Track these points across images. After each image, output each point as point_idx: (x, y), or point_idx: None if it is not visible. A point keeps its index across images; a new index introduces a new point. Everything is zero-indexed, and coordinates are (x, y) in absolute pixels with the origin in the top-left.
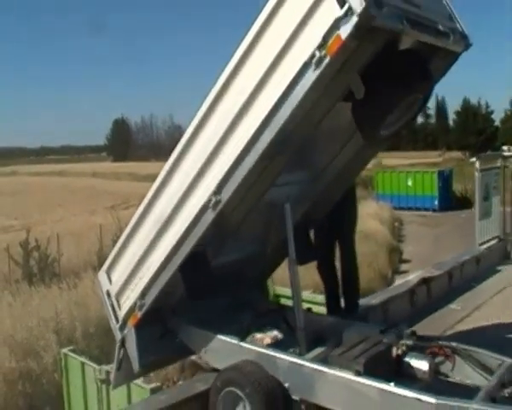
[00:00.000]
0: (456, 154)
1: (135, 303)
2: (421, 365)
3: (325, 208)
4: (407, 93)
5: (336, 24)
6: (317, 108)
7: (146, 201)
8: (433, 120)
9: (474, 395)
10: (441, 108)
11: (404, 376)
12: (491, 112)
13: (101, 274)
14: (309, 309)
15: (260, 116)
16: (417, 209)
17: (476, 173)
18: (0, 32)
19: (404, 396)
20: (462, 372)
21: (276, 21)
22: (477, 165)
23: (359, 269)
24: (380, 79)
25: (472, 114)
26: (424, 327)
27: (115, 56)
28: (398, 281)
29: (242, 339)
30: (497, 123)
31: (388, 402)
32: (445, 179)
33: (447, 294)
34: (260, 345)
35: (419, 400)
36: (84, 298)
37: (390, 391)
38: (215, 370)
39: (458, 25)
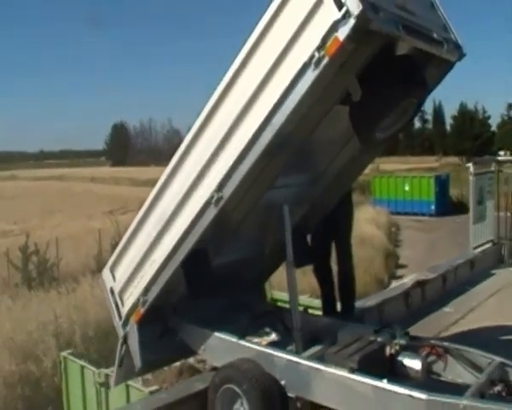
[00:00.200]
0: (453, 159)
1: (138, 300)
2: (413, 364)
3: (323, 212)
4: (403, 97)
5: (335, 26)
6: (316, 108)
7: (150, 199)
8: (430, 125)
9: (464, 393)
10: (438, 113)
11: (398, 375)
12: (488, 117)
13: (105, 272)
14: (305, 310)
15: (261, 116)
16: (414, 214)
17: (470, 177)
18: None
19: (397, 393)
20: (454, 372)
21: (277, 24)
22: (471, 169)
23: (355, 272)
24: (377, 83)
25: (469, 119)
26: (418, 329)
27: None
28: (394, 284)
29: (240, 338)
30: (493, 128)
31: (381, 398)
32: (442, 184)
33: (441, 297)
34: (258, 343)
35: (411, 396)
36: (82, 302)
37: (383, 388)
38: (214, 369)
39: (452, 35)
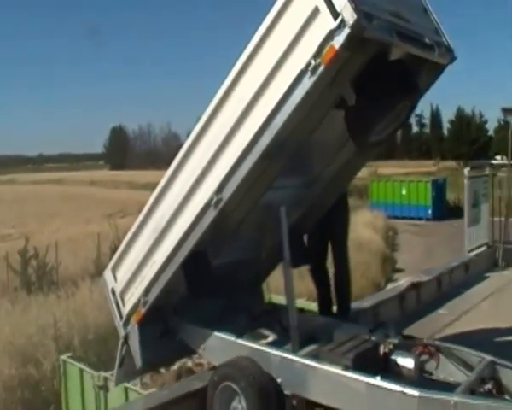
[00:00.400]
0: (451, 163)
1: (139, 300)
2: (406, 362)
3: (319, 213)
4: (396, 101)
5: (330, 35)
6: (312, 113)
7: (151, 201)
8: (427, 130)
9: (455, 390)
10: (436, 118)
11: (391, 373)
12: (485, 121)
13: (107, 272)
14: (302, 310)
15: (260, 120)
16: (411, 218)
17: (465, 181)
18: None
19: (390, 389)
20: (446, 370)
21: (276, 32)
22: (466, 172)
23: (352, 275)
24: (371, 88)
25: (465, 124)
26: (413, 331)
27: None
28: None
29: (239, 337)
30: (491, 132)
31: (374, 395)
32: (439, 189)
33: (436, 299)
34: (255, 342)
35: (403, 393)
36: (81, 306)
37: (376, 385)
38: (212, 368)
39: (444, 39)
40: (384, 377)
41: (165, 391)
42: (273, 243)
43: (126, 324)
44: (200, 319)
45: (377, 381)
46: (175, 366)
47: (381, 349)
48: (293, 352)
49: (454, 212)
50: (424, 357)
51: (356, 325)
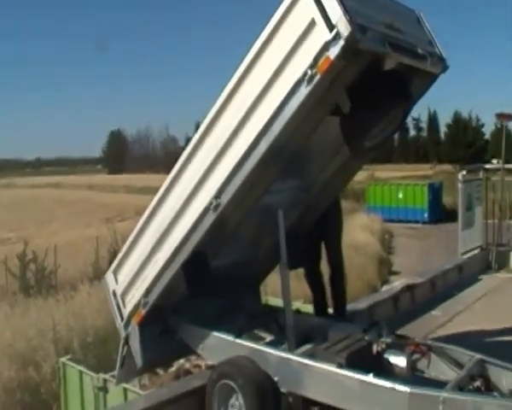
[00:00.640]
0: (447, 167)
1: (139, 301)
2: (399, 361)
3: (315, 215)
4: (389, 109)
5: (326, 46)
6: (308, 120)
7: (152, 205)
8: (424, 133)
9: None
10: (433, 122)
11: (384, 371)
12: (482, 125)
13: (109, 275)
14: (298, 311)
15: (258, 127)
16: (407, 222)
17: (459, 185)
18: None
19: (382, 386)
20: (438, 368)
21: (274, 43)
22: (460, 176)
23: (348, 278)
24: (365, 96)
25: (462, 127)
26: (407, 331)
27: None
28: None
29: (237, 337)
30: (487, 136)
31: (367, 392)
32: (435, 192)
33: (430, 301)
34: (253, 342)
35: (394, 389)
36: (80, 309)
37: (369, 382)
38: (211, 367)
39: (437, 49)
40: (377, 375)
41: (165, 390)
42: (271, 245)
43: (127, 325)
44: (199, 319)
45: (370, 378)
46: (173, 368)
47: (375, 348)
48: (290, 351)
49: (450, 215)
50: (416, 356)
51: (350, 324)
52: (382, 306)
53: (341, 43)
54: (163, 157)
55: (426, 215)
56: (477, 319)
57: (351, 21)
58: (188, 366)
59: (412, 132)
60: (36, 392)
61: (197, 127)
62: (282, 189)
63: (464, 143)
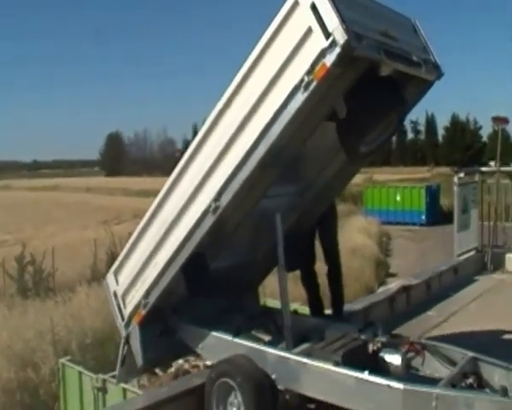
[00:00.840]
0: (445, 169)
1: (139, 302)
2: (394, 359)
3: (313, 219)
4: (385, 115)
5: (322, 53)
6: (306, 125)
7: (152, 208)
8: (422, 136)
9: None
10: (431, 125)
11: (379, 370)
12: (480, 127)
13: (109, 276)
14: (295, 311)
15: (256, 131)
16: (405, 224)
17: (455, 187)
18: None
19: (377, 383)
20: (432, 366)
21: (272, 49)
22: (455, 179)
23: (346, 280)
24: (361, 102)
25: (460, 130)
26: (403, 331)
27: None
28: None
29: (235, 337)
30: (485, 139)
31: (363, 389)
32: (433, 194)
33: (425, 301)
34: (251, 341)
35: (389, 386)
36: (79, 311)
37: (364, 379)
38: (209, 367)
39: (431, 56)
40: (372, 372)
41: (165, 388)
42: (269, 248)
43: (127, 325)
44: (199, 319)
45: (365, 375)
46: (172, 369)
47: (370, 347)
48: (287, 350)
49: (448, 217)
50: (411, 354)
51: (346, 324)
52: (378, 307)
53: (337, 50)
54: (161, 160)
55: (423, 217)
56: (472, 320)
57: (347, 30)
58: (187, 366)
59: (410, 135)
60: (35, 393)
61: (195, 130)
62: (280, 193)
63: (462, 146)
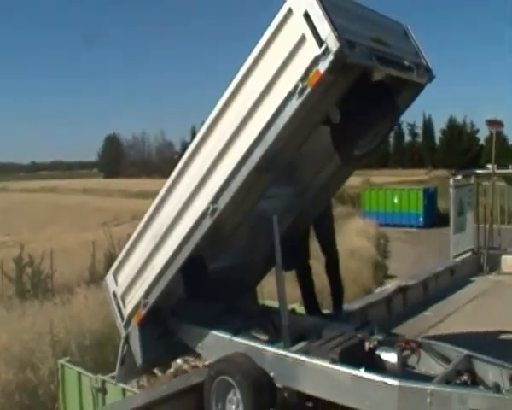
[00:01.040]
0: (442, 172)
1: (139, 302)
2: (390, 357)
3: (309, 220)
4: (377, 120)
5: (316, 61)
6: (300, 130)
7: (151, 209)
8: (420, 139)
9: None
10: (428, 127)
11: (376, 368)
12: (477, 130)
13: (109, 276)
14: (293, 310)
15: (252, 136)
16: (403, 226)
17: (451, 190)
18: None
19: (373, 380)
20: (427, 364)
21: (267, 56)
22: (451, 181)
23: (344, 281)
24: (354, 107)
25: (457, 133)
26: (399, 331)
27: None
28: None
29: (234, 336)
30: (482, 141)
31: (359, 386)
32: (430, 197)
33: (422, 302)
34: (250, 340)
35: (385, 383)
36: (78, 312)
37: (360, 376)
38: (208, 365)
39: (423, 60)
40: (369, 370)
41: (164, 386)
42: (266, 249)
43: (127, 325)
44: (198, 319)
45: (361, 373)
46: (171, 369)
47: (367, 345)
48: (285, 348)
49: (445, 220)
50: (406, 352)
51: (343, 323)
52: (375, 307)
53: (330, 57)
54: (159, 162)
55: (421, 220)
56: (468, 320)
57: (339, 38)
58: (186, 367)
59: (408, 138)
60: (34, 394)
61: (193, 133)
62: (277, 195)
63: (459, 149)
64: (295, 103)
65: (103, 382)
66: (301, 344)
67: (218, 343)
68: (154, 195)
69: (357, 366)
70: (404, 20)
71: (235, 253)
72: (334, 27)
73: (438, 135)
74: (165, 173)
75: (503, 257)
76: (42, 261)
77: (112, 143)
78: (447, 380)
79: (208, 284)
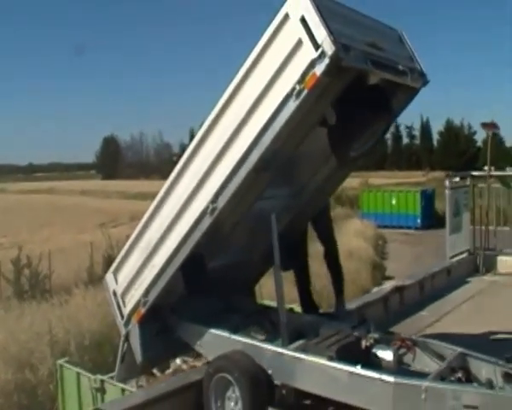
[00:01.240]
0: (440, 174)
1: (139, 301)
2: (386, 355)
3: (306, 220)
4: (372, 122)
5: (312, 64)
6: (297, 131)
7: (151, 209)
8: (417, 141)
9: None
10: (425, 129)
11: (372, 365)
12: (474, 132)
13: (109, 275)
14: (291, 309)
15: (250, 137)
16: (400, 227)
17: (446, 191)
18: None
19: (369, 377)
20: (422, 362)
21: (264, 59)
22: (447, 183)
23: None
24: (350, 110)
25: (454, 135)
26: (396, 330)
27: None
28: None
29: (232, 334)
30: (479, 143)
31: (355, 382)
32: (428, 199)
33: (418, 302)
34: (248, 338)
35: (380, 379)
36: (76, 313)
37: (357, 373)
38: (207, 363)
39: (417, 65)
40: (365, 367)
41: (163, 384)
42: (265, 248)
43: (127, 323)
44: (197, 317)
45: (358, 370)
46: (170, 369)
47: (363, 343)
48: (283, 346)
49: (442, 221)
50: (402, 350)
51: (340, 322)
52: (372, 306)
53: (326, 61)
54: (157, 163)
55: (418, 221)
56: (464, 319)
57: (335, 41)
58: (184, 367)
59: (405, 140)
60: (33, 394)
61: (192, 134)
62: (275, 195)
63: (456, 151)
64: (292, 105)
65: (102, 382)
66: (299, 342)
67: (216, 341)
68: (152, 196)
69: (353, 363)
70: (401, 22)
71: (234, 252)
72: (330, 32)
73: (435, 137)
74: (163, 175)
75: (499, 258)
76: (40, 262)
77: (110, 144)
78: (442, 377)
79: (208, 283)
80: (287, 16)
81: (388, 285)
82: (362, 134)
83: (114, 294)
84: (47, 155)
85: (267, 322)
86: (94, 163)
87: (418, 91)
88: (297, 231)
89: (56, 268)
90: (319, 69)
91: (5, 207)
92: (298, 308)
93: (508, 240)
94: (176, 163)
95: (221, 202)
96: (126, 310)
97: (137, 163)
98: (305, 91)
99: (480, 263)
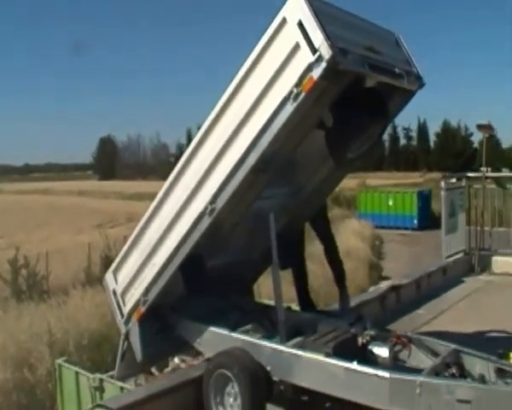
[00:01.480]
0: (437, 175)
1: (139, 299)
2: (382, 352)
3: (303, 220)
4: (369, 124)
5: (310, 67)
6: (295, 133)
7: (150, 209)
8: (414, 142)
9: None
10: (422, 131)
11: (368, 361)
12: (471, 134)
13: (109, 275)
14: (289, 307)
15: (249, 139)
16: (397, 228)
17: (442, 192)
18: None
19: (365, 372)
20: (417, 358)
21: (262, 63)
22: (442, 184)
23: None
24: (347, 112)
25: (451, 136)
26: (393, 328)
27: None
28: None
29: (232, 331)
30: (476, 145)
31: (352, 378)
32: (425, 199)
33: (415, 300)
34: (247, 335)
35: (376, 375)
36: (74, 313)
37: (353, 369)
38: (207, 360)
39: (414, 68)
40: (361, 363)
41: (164, 380)
42: (263, 247)
43: (127, 321)
44: (197, 315)
45: (354, 365)
46: (169, 368)
47: (360, 340)
48: (281, 343)
49: (439, 222)
50: (398, 347)
51: (337, 319)
52: (369, 305)
53: (323, 64)
54: (154, 164)
55: (415, 222)
56: (460, 318)
57: (332, 46)
58: (183, 366)
59: (402, 141)
60: (32, 393)
61: (189, 135)
62: (273, 195)
63: (453, 152)
64: (290, 108)
65: (101, 381)
66: (297, 339)
67: (216, 339)
68: (149, 197)
69: (350, 359)
70: (400, 22)
71: (233, 251)
72: (327, 36)
73: (432, 138)
74: (160, 175)
75: (494, 258)
76: (37, 263)
77: (106, 144)
78: (436, 372)
79: (207, 281)
80: (284, 20)
81: (385, 285)
82: (359, 136)
83: (114, 293)
84: (43, 155)
85: (266, 320)
86: (91, 164)
87: (414, 94)
88: (295, 230)
89: (54, 269)
90: (316, 73)
91: (1, 208)
92: (296, 307)
93: (503, 240)
94: (173, 164)
95: (220, 203)
96: (126, 309)
97: (134, 164)
98: (303, 95)
99: (475, 263)
